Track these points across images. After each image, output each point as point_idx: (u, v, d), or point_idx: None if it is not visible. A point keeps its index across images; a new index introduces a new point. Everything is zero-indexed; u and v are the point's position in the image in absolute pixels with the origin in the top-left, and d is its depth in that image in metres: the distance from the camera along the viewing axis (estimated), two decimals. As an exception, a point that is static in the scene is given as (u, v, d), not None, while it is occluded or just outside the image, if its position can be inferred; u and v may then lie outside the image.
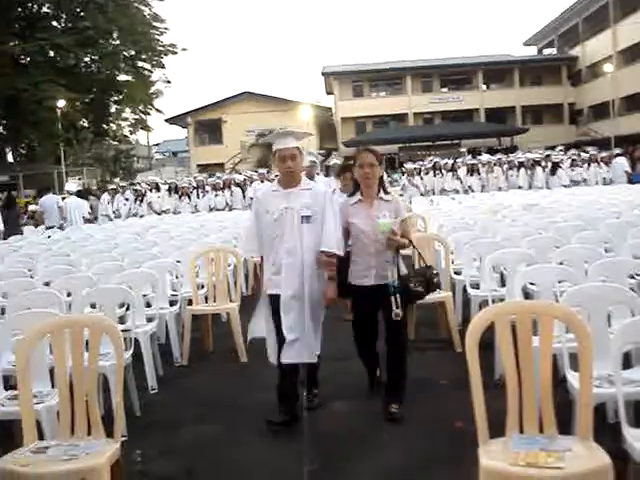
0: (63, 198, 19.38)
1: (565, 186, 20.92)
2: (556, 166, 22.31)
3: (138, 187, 22.49)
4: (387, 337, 5.37)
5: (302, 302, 5.21)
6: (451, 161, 24.19)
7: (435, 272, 5.59)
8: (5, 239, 14.34)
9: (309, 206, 5.25)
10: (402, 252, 5.56)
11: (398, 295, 5.19)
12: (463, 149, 32.54)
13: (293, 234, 5.23)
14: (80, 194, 19.99)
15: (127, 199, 21.51)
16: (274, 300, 5.29)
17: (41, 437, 3.97)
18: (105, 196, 21.76)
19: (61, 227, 17.36)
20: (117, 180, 35.19)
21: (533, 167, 22.49)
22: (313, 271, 5.26)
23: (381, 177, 5.48)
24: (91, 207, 19.82)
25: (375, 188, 5.42)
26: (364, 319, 5.54)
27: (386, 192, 5.50)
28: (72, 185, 22.60)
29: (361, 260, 5.41)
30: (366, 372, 5.88)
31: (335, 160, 14.41)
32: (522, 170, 22.54)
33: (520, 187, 21.62)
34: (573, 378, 4.03)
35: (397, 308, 5.14)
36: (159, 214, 20.33)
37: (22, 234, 15.74)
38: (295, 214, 5.24)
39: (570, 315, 3.54)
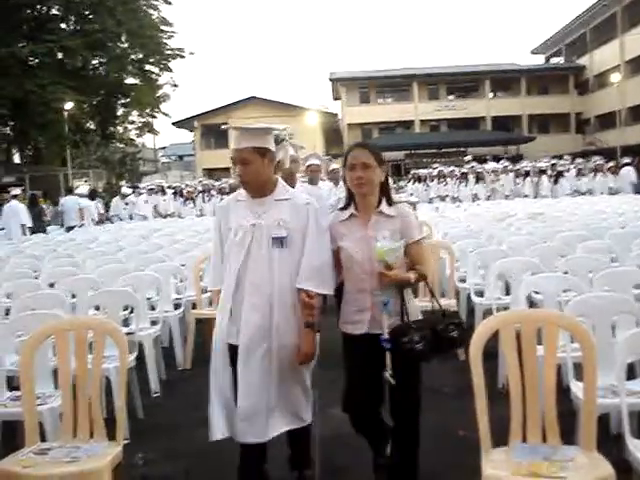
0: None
1: (568, 195, 20.97)
2: (559, 175, 22.34)
3: (143, 190, 22.60)
4: (391, 408, 3.98)
5: (268, 359, 3.89)
6: (457, 169, 24.27)
7: (453, 322, 3.86)
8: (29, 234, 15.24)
9: (285, 223, 3.88)
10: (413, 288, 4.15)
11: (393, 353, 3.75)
12: (467, 157, 32.44)
13: (259, 262, 3.90)
14: (90, 196, 20.52)
15: (126, 203, 21.71)
16: (232, 351, 3.97)
17: (43, 439, 3.97)
18: (142, 197, 22.00)
19: (81, 227, 18.14)
20: (123, 182, 35.25)
21: (539, 176, 22.52)
22: (286, 316, 3.91)
23: (384, 182, 3.96)
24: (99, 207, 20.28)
25: (374, 198, 3.90)
26: (356, 381, 3.95)
27: (391, 203, 3.94)
28: (84, 188, 23.02)
29: (353, 299, 3.91)
30: (368, 446, 4.22)
31: (335, 165, 12.48)
32: (528, 179, 22.57)
33: (526, 195, 21.64)
34: (577, 388, 4.02)
35: (389, 371, 3.75)
36: (164, 217, 20.47)
37: (45, 232, 16.16)
38: (264, 234, 3.90)
39: (575, 325, 3.53)
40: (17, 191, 18.35)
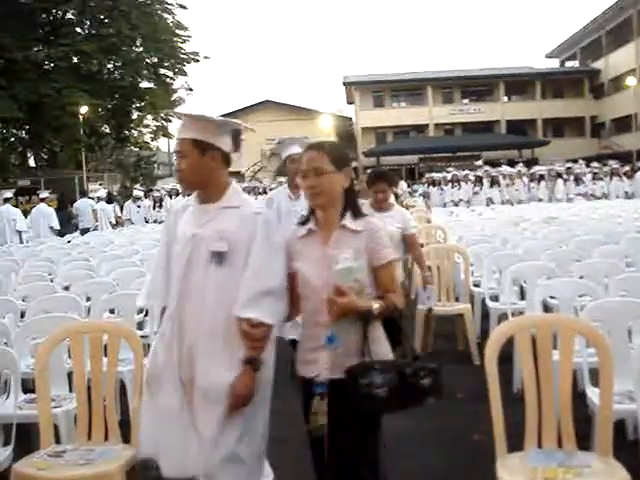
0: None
1: (580, 196, 21.00)
2: (576, 178, 22.33)
3: (157, 193, 22.69)
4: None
5: (188, 407, 3.13)
6: (471, 173, 24.27)
7: (426, 368, 3.01)
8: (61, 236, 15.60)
9: (228, 235, 3.12)
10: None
11: (324, 400, 3.01)
12: (479, 162, 32.43)
13: (194, 281, 3.18)
14: (108, 199, 20.89)
15: (139, 206, 21.87)
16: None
17: (58, 441, 3.98)
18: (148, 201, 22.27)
19: (95, 229, 18.55)
20: (137, 186, 35.42)
21: (554, 180, 22.46)
22: (216, 350, 3.11)
23: (349, 190, 3.18)
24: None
25: (335, 211, 3.13)
26: (314, 440, 3.10)
27: (358, 215, 3.15)
28: (102, 191, 23.38)
29: (308, 334, 3.17)
30: None
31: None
32: (542, 183, 22.51)
33: (540, 199, 21.58)
34: (593, 393, 4.00)
35: (312, 422, 3.03)
36: None
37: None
38: (203, 248, 3.16)
39: (591, 330, 3.52)
40: (45, 194, 18.68)
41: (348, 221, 3.11)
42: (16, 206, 18.56)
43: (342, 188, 3.14)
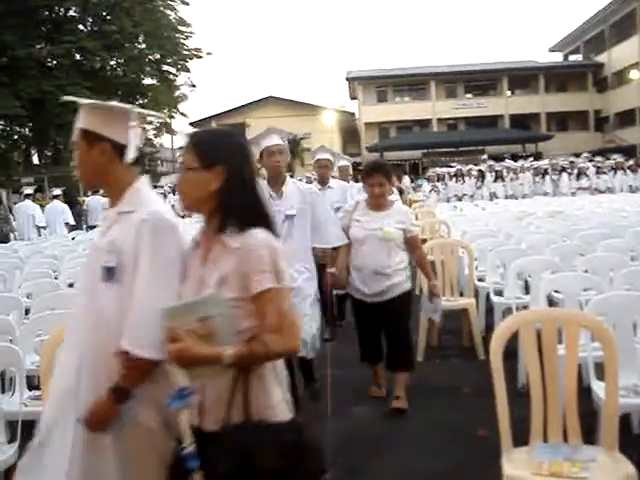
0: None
1: (574, 193, 21.01)
2: (579, 173, 22.29)
3: (160, 190, 22.73)
4: None
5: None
6: (475, 167, 24.24)
7: (280, 442, 2.31)
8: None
9: (116, 248, 2.61)
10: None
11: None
12: (484, 156, 32.46)
13: (83, 300, 2.75)
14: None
15: None
16: None
17: (64, 438, 3.98)
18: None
19: None
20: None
21: (559, 174, 22.42)
22: (98, 380, 2.58)
23: (229, 192, 2.48)
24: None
25: (215, 220, 2.53)
26: None
27: (242, 226, 2.46)
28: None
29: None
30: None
31: (343, 162, 10.32)
32: (547, 177, 22.47)
33: (547, 193, 21.54)
34: (598, 388, 3.99)
35: None
36: (182, 217, 20.68)
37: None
38: (96, 261, 2.70)
39: (596, 324, 3.51)
40: (58, 191, 18.85)
41: (228, 234, 2.45)
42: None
43: (209, 190, 2.49)
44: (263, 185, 5.94)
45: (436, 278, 6.35)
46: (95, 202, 19.70)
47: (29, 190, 18.27)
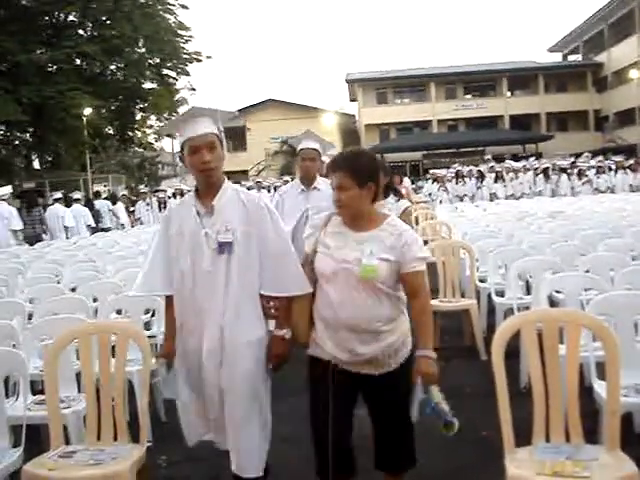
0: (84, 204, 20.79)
1: (578, 192, 21.00)
2: (564, 171, 22.34)
3: (161, 194, 22.74)
4: None
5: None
6: (475, 168, 24.24)
7: None
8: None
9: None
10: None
11: None
12: (487, 156, 32.51)
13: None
14: (113, 201, 21.87)
15: (148, 204, 22.06)
16: None
17: (67, 442, 4.00)
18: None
19: (123, 227, 20.40)
20: (142, 187, 35.49)
21: (559, 174, 22.42)
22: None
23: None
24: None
25: None
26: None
27: None
28: (78, 194, 24.22)
29: None
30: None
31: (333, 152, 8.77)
32: (551, 177, 22.49)
33: (554, 194, 21.52)
34: (600, 387, 4.00)
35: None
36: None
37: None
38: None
39: (597, 323, 3.51)
40: (78, 195, 20.31)
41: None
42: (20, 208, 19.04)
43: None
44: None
45: (433, 346, 3.61)
46: (102, 206, 21.02)
47: (58, 195, 19.38)
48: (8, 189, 16.94)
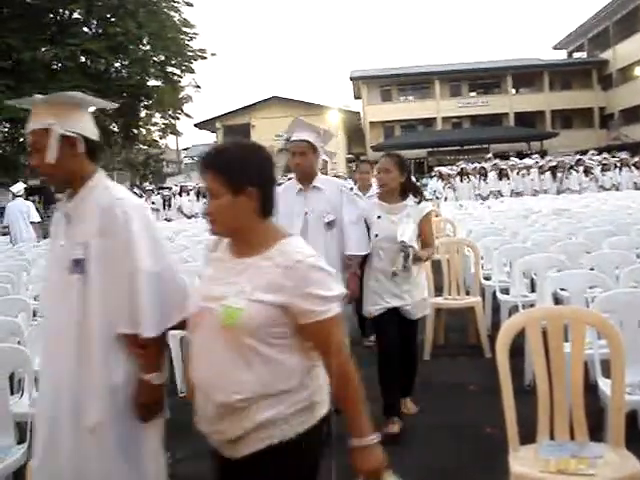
0: None
1: (585, 188, 20.97)
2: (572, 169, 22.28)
3: (166, 192, 22.77)
4: None
5: None
6: (479, 166, 24.18)
7: None
8: None
9: None
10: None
11: None
12: (489, 155, 32.48)
13: None
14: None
15: (153, 202, 22.03)
16: None
17: (72, 439, 4.00)
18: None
19: None
20: (146, 184, 35.55)
21: (566, 172, 22.36)
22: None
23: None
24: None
25: None
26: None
27: None
28: (19, 185, 24.36)
29: None
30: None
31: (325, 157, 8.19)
32: (557, 175, 22.43)
33: (561, 191, 21.48)
34: (605, 385, 4.00)
35: None
36: (189, 218, 20.71)
37: None
38: None
39: (602, 321, 3.51)
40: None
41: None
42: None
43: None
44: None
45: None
46: None
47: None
48: (22, 185, 17.18)
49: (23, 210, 15.69)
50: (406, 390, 5.48)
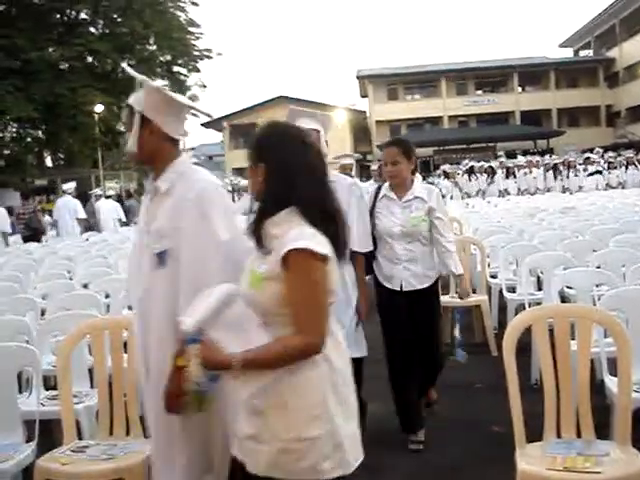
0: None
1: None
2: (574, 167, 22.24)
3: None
4: None
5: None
6: (486, 164, 24.12)
7: None
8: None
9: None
10: None
11: None
12: (500, 153, 32.41)
13: None
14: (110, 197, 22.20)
15: None
16: None
17: (80, 437, 4.03)
18: None
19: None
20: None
21: (573, 170, 22.29)
22: None
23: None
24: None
25: None
26: None
27: None
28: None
29: None
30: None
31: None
32: (563, 173, 22.37)
33: (568, 190, 21.42)
34: (611, 382, 3.99)
35: None
36: None
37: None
38: None
39: (609, 319, 3.51)
40: (110, 192, 21.43)
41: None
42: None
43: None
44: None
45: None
46: (131, 203, 21.16)
47: (111, 192, 21.00)
48: (73, 184, 18.07)
49: (70, 207, 16.78)
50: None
